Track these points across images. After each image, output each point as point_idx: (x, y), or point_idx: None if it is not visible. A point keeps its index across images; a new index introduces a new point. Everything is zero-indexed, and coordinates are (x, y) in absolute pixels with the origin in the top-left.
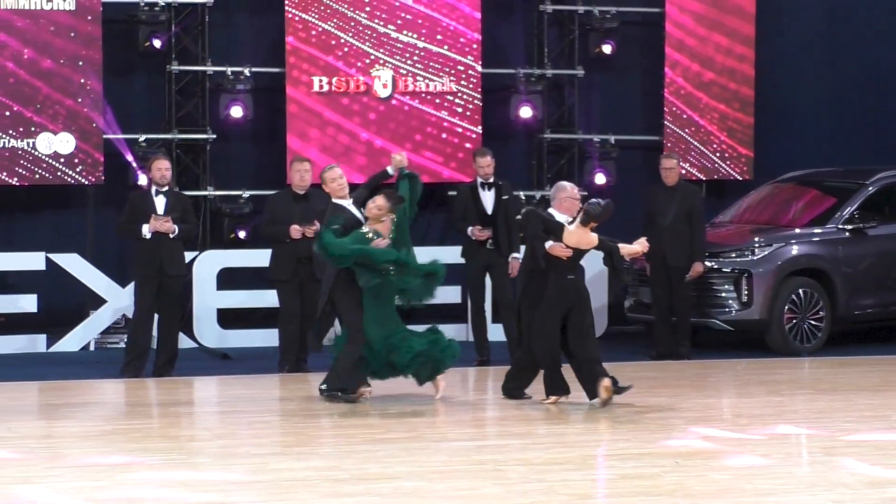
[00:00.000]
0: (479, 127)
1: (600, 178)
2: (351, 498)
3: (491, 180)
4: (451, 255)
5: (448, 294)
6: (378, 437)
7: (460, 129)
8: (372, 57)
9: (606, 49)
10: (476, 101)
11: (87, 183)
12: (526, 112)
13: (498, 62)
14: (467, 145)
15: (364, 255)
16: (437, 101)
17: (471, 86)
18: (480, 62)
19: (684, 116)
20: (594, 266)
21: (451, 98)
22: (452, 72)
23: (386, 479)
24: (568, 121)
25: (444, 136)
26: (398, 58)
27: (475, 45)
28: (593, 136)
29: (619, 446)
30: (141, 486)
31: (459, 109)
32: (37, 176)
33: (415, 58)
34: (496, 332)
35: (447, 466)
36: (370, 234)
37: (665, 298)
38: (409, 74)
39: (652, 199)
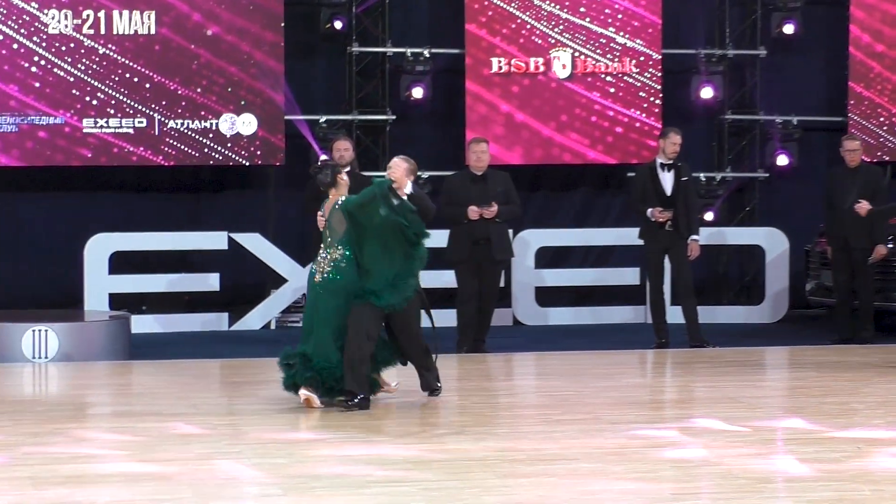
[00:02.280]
0: (658, 109)
1: (782, 160)
2: (527, 479)
3: (671, 161)
4: (629, 236)
5: (626, 276)
6: (554, 419)
7: (639, 112)
8: (551, 40)
9: (788, 29)
10: (654, 84)
11: (268, 164)
12: (707, 93)
13: (678, 44)
14: (646, 128)
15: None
16: (615, 83)
17: (650, 68)
18: (660, 44)
19: (868, 97)
20: (776, 248)
21: (629, 80)
22: (631, 54)
23: (563, 461)
24: (749, 102)
25: (621, 118)
26: (576, 40)
27: (654, 28)
28: (775, 116)
29: (799, 430)
30: (321, 463)
31: (638, 92)
32: (219, 157)
33: (593, 40)
34: (674, 315)
35: (625, 449)
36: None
37: (847, 282)
38: (588, 57)
39: (833, 182)
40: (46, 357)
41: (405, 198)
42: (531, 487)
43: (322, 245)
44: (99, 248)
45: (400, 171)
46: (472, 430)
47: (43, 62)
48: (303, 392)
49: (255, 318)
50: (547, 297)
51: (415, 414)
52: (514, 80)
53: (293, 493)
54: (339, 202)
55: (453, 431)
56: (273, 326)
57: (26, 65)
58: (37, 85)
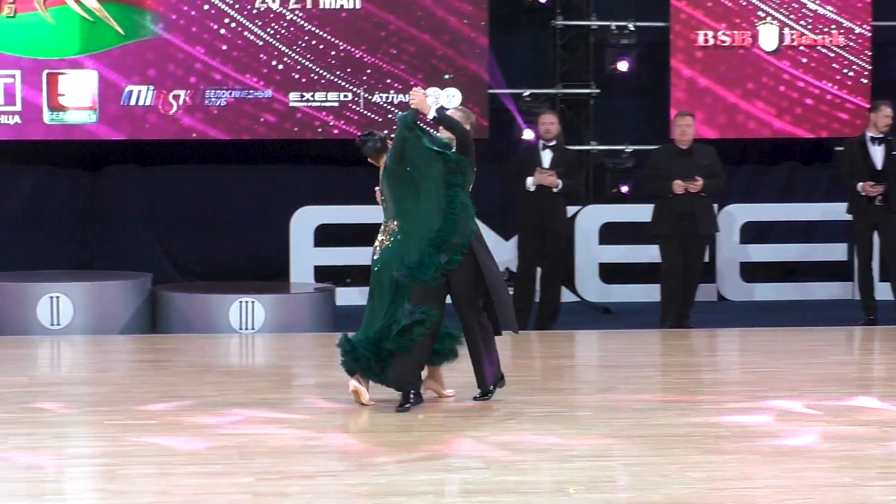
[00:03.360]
0: (867, 83)
1: None
2: (731, 455)
3: (882, 135)
4: (837, 210)
5: (834, 251)
6: (759, 395)
7: (849, 83)
8: (759, 13)
9: None
10: (862, 59)
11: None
12: None
13: (889, 16)
14: (857, 101)
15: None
16: (822, 57)
17: (857, 41)
18: (870, 16)
19: None
20: None
21: (836, 54)
22: (838, 28)
23: (767, 437)
24: None
25: (826, 94)
26: (783, 13)
27: (863, 1)
28: None
29: None
30: (522, 438)
31: (845, 68)
32: None
33: (800, 13)
34: (883, 291)
35: (829, 427)
36: None
37: None
38: (795, 31)
39: None
40: (253, 328)
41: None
42: (735, 465)
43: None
44: (304, 220)
45: (419, 97)
46: (675, 405)
47: (251, 37)
48: (352, 383)
49: None
50: (752, 272)
51: (615, 389)
52: (720, 54)
53: (495, 467)
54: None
55: (656, 407)
56: None
57: (239, 42)
58: (245, 60)
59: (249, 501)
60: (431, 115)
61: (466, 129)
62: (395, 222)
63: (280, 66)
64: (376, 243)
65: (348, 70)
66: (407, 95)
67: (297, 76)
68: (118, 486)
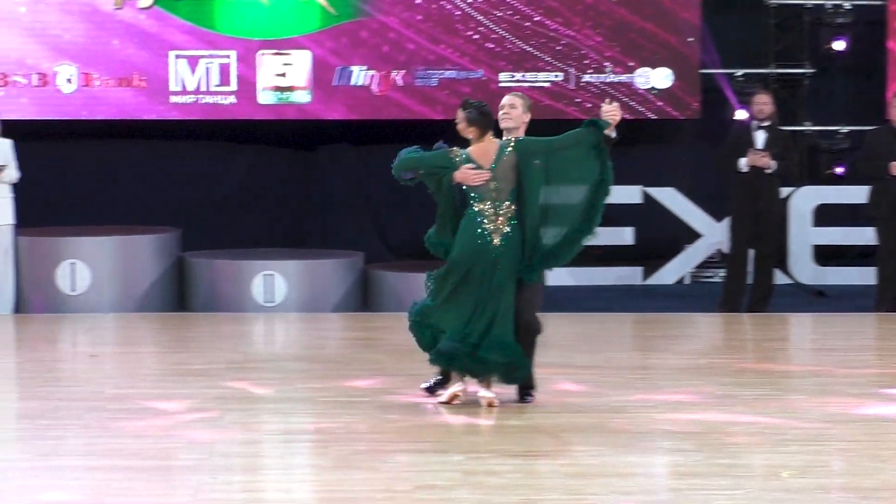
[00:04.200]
0: None
1: None
2: None
3: None
4: None
5: None
6: None
7: None
8: None
9: None
10: None
11: (683, 118)
12: None
13: None
14: None
15: (413, 160)
16: None
17: None
18: None
19: None
20: None
21: None
22: None
23: None
24: None
25: None
26: None
27: None
28: None
29: None
30: (735, 419)
31: None
32: (634, 111)
33: None
34: None
35: None
36: (457, 157)
37: None
38: None
39: None
40: None
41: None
42: None
43: (481, 202)
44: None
45: (617, 114)
46: (891, 391)
47: (460, 16)
48: (485, 396)
49: (670, 273)
50: None
51: (830, 373)
52: None
53: (707, 450)
54: (513, 145)
55: (871, 392)
56: (687, 281)
57: (450, 22)
58: (455, 41)
59: (459, 479)
60: (614, 134)
61: None
62: (512, 207)
63: (491, 46)
64: (488, 224)
65: (558, 50)
66: (616, 75)
67: (507, 55)
68: (329, 461)
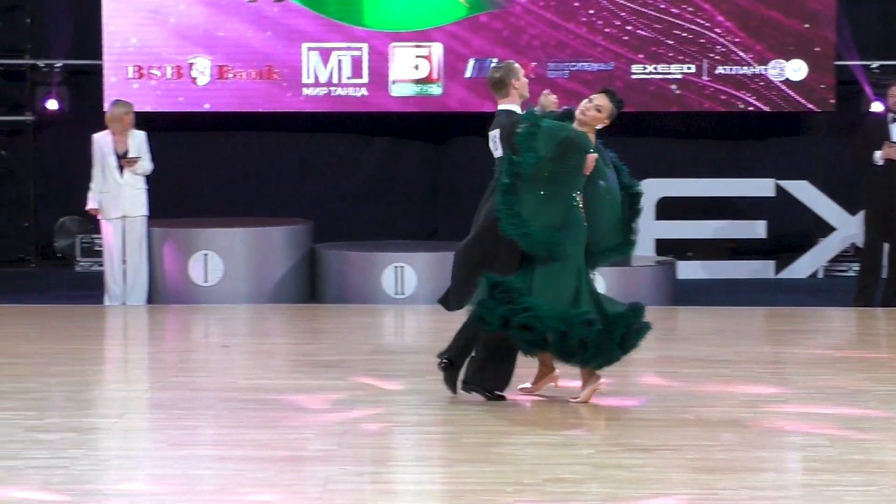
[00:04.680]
0: None
1: None
2: None
3: None
4: None
5: None
6: None
7: None
8: None
9: None
10: None
11: (817, 110)
12: None
13: None
14: None
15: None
16: None
17: None
18: None
19: None
20: None
21: None
22: None
23: None
24: None
25: None
26: None
27: None
28: None
29: None
30: (868, 412)
31: None
32: (767, 103)
33: None
34: None
35: None
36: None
37: None
38: None
39: None
40: None
41: None
42: None
43: (580, 192)
44: (645, 193)
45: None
46: None
47: (592, 10)
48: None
49: (803, 267)
50: None
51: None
52: None
53: (840, 445)
54: (594, 146)
55: None
56: (821, 275)
57: (578, 14)
58: (584, 32)
59: (588, 473)
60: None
61: None
62: (579, 195)
63: (625, 38)
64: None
65: (691, 40)
66: (750, 67)
67: (639, 47)
68: (458, 454)
